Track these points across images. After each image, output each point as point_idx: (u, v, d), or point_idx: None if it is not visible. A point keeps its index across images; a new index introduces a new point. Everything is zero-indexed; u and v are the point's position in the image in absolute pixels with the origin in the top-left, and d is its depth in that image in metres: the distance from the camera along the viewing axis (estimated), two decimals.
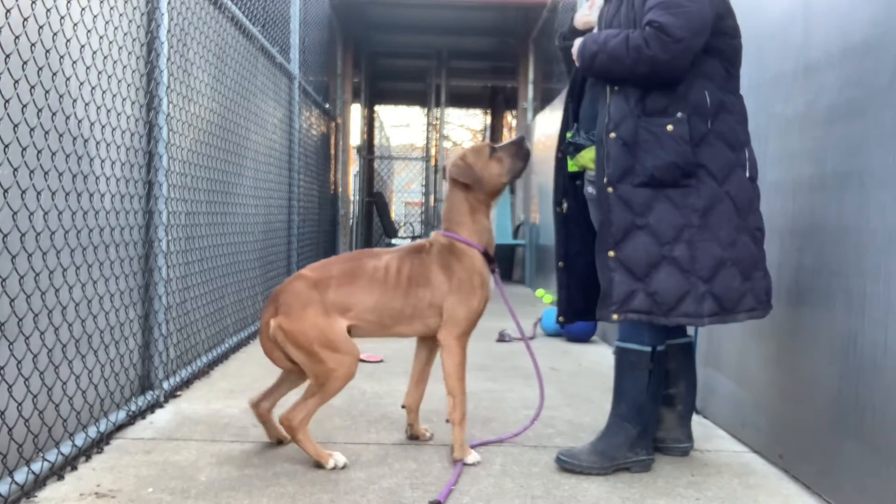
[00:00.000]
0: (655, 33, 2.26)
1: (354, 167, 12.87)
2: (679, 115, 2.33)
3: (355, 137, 12.62)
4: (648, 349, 2.48)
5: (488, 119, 15.75)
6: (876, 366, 2.03)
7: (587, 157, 2.52)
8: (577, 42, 2.49)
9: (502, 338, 5.01)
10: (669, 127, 2.32)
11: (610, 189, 2.35)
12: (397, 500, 2.21)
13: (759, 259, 2.41)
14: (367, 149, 13.61)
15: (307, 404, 2.45)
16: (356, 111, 12.77)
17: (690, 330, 2.79)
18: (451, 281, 2.53)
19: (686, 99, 2.34)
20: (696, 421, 3.13)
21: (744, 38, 2.92)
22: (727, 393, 2.97)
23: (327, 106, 8.73)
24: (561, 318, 2.78)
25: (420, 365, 2.77)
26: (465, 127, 18.53)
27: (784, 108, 2.57)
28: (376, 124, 14.83)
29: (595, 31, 2.52)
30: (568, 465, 2.47)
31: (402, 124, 18.11)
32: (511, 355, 4.47)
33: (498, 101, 14.74)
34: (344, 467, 2.45)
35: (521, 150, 2.68)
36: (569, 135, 2.63)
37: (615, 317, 2.34)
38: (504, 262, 10.03)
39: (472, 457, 2.54)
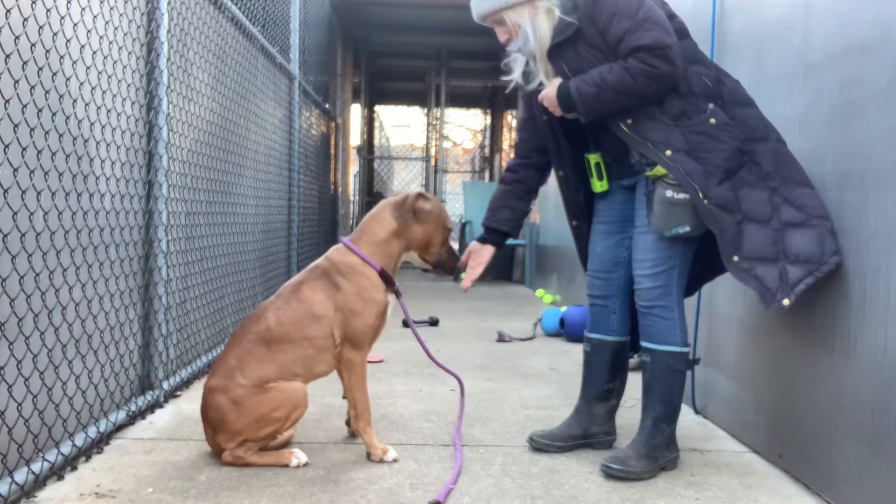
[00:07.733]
0: (650, 54, 2.29)
1: (354, 167, 12.88)
2: (710, 106, 2.37)
3: (355, 137, 12.62)
4: (687, 349, 2.52)
5: (488, 119, 15.76)
6: (876, 366, 2.03)
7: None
8: (553, 90, 2.44)
9: (502, 338, 5.01)
10: (712, 120, 2.35)
11: (706, 201, 2.32)
12: (397, 500, 2.21)
13: None
14: (367, 149, 13.62)
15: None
16: (356, 111, 12.78)
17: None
18: (338, 302, 2.52)
19: (693, 92, 2.38)
20: (696, 421, 3.14)
21: (744, 38, 2.94)
22: (727, 393, 2.97)
23: (327, 106, 8.73)
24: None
25: None
26: (465, 127, 18.54)
27: (784, 108, 2.57)
28: (376, 124, 14.85)
29: (549, 83, 2.47)
30: (617, 472, 2.41)
31: (402, 124, 18.11)
32: (511, 355, 4.47)
33: (498, 101, 14.73)
34: (306, 465, 2.46)
35: (450, 267, 2.68)
36: (592, 159, 2.60)
37: (786, 302, 2.26)
38: (504, 262, 10.03)
39: (390, 454, 2.54)
